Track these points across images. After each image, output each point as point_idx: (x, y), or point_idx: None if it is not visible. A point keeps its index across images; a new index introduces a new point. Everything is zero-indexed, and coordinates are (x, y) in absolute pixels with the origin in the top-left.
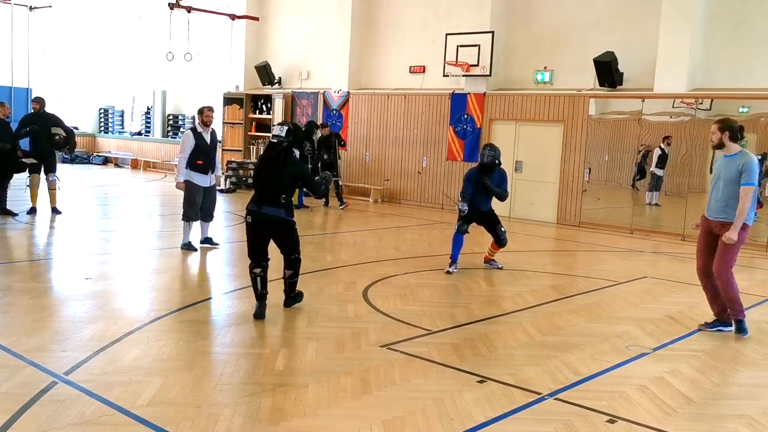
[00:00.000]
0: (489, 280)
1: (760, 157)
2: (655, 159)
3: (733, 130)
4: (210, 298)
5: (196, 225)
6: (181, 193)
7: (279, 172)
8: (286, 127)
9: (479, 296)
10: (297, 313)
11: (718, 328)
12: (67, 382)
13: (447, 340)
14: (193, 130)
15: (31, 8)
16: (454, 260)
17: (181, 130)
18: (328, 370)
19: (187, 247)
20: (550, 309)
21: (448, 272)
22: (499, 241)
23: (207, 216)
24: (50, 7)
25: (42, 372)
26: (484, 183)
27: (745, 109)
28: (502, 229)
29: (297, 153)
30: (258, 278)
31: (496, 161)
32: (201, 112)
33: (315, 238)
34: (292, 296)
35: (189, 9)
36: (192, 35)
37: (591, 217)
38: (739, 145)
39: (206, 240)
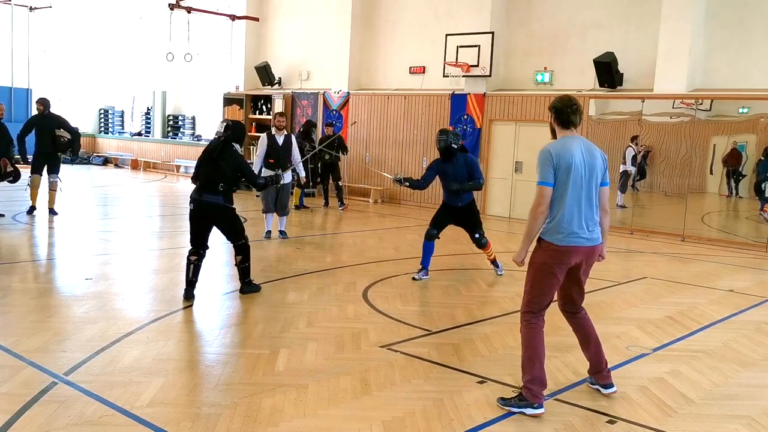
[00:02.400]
0: (489, 281)
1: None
2: (627, 157)
3: (558, 112)
4: (210, 299)
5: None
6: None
7: (216, 162)
8: (225, 124)
9: (479, 297)
10: (297, 313)
11: (596, 387)
12: (67, 382)
13: (447, 341)
14: (268, 133)
15: (31, 9)
16: (423, 267)
17: (181, 130)
18: (328, 370)
19: (266, 236)
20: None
21: (414, 279)
22: (477, 244)
23: (281, 210)
24: (50, 7)
25: (42, 372)
26: (451, 189)
27: (745, 110)
28: (477, 234)
29: (238, 147)
30: (192, 266)
31: (453, 145)
32: (274, 117)
33: (315, 239)
34: (247, 282)
35: (189, 9)
36: (192, 36)
37: None
38: (572, 130)
39: (280, 233)
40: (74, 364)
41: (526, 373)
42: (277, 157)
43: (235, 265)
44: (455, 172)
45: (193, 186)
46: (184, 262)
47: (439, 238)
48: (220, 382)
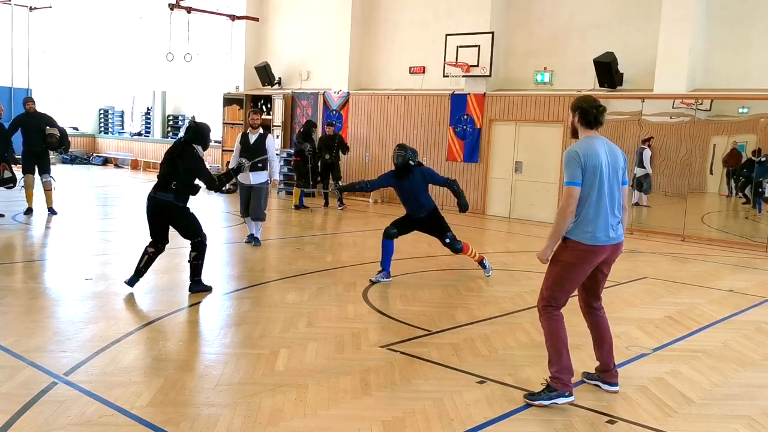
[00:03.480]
0: (489, 281)
1: (764, 158)
2: (645, 159)
3: (584, 112)
4: (210, 299)
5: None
6: None
7: (174, 162)
8: (188, 125)
9: (479, 297)
10: (297, 313)
11: (596, 383)
12: (67, 382)
13: (447, 341)
14: (243, 131)
15: (31, 9)
16: (384, 269)
17: (181, 130)
18: (328, 370)
19: (249, 239)
20: None
21: (371, 281)
22: (451, 249)
23: (254, 214)
24: (50, 7)
25: (42, 372)
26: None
27: (745, 110)
28: (448, 239)
29: (199, 149)
30: (146, 256)
31: (410, 162)
32: (248, 115)
33: (315, 239)
34: (196, 280)
35: (189, 9)
36: (192, 36)
37: None
38: (596, 131)
39: (250, 237)
40: (74, 364)
41: (554, 364)
42: (248, 156)
43: (188, 260)
44: (412, 187)
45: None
46: (185, 261)
47: (397, 237)
48: (220, 382)
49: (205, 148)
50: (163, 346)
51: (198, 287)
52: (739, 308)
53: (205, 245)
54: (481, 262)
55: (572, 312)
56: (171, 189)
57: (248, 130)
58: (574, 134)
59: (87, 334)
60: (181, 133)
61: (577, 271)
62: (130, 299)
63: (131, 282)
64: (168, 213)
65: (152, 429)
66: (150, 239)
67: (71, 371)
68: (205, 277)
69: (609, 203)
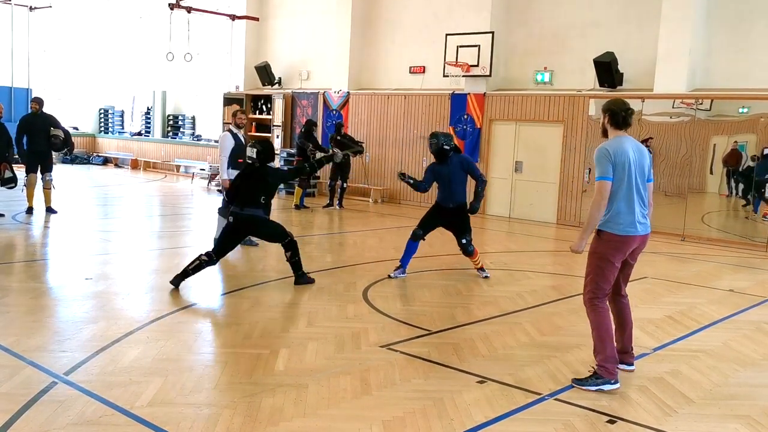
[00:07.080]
0: (489, 281)
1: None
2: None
3: (613, 114)
4: (210, 299)
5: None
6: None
7: (263, 181)
8: (255, 149)
9: (479, 296)
10: (297, 313)
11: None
12: (67, 382)
13: (447, 340)
14: (230, 131)
15: (31, 8)
16: (401, 265)
17: (181, 130)
18: (328, 370)
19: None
20: (550, 309)
21: (390, 276)
22: (464, 251)
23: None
24: (50, 7)
25: (42, 372)
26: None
27: (745, 110)
28: (465, 240)
29: (273, 164)
30: (199, 262)
31: (445, 147)
32: (235, 114)
33: (315, 238)
34: (300, 274)
35: (189, 9)
36: (192, 35)
37: None
38: (625, 132)
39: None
40: (74, 364)
41: (599, 353)
42: (245, 156)
43: (288, 261)
44: (450, 173)
45: (223, 203)
46: (186, 261)
47: (424, 239)
48: (220, 382)
49: (273, 161)
50: (163, 346)
51: (302, 280)
52: (739, 308)
53: (295, 242)
54: (481, 269)
55: (573, 312)
56: (260, 203)
57: (236, 130)
58: (604, 134)
59: (87, 334)
60: (249, 153)
61: (613, 260)
62: (130, 299)
63: (177, 282)
64: (255, 226)
65: (152, 429)
66: (211, 251)
67: (71, 371)
68: (205, 277)
69: (637, 197)
